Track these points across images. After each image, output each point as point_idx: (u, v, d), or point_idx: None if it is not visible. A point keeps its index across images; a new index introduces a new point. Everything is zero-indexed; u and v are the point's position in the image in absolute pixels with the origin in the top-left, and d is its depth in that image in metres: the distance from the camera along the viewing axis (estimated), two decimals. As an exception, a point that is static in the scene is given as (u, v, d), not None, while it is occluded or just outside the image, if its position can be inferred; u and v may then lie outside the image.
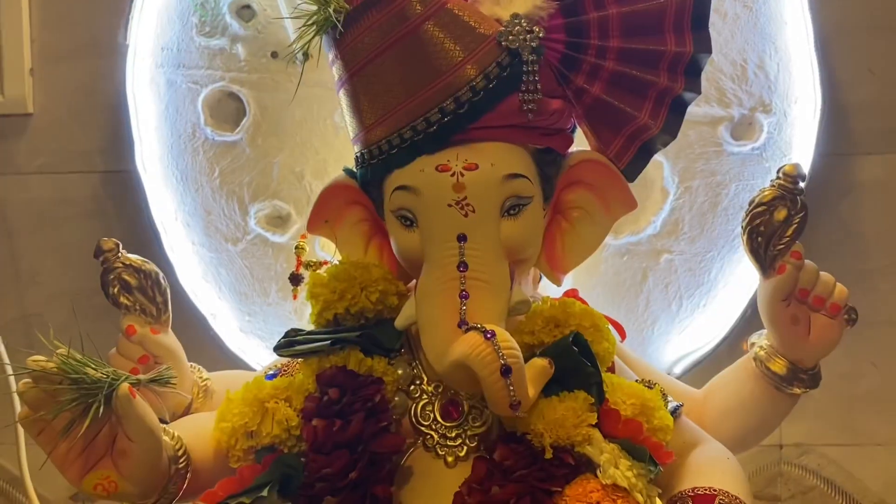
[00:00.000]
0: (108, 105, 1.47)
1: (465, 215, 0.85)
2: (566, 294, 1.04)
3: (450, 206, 0.85)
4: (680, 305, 1.37)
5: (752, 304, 1.25)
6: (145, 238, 1.39)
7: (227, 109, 1.44)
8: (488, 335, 0.80)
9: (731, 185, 1.37)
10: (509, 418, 0.85)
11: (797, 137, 1.37)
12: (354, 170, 0.95)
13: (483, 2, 0.88)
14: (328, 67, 0.96)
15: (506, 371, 0.78)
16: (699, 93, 0.94)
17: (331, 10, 0.84)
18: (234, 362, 1.38)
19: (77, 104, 1.51)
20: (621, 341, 1.10)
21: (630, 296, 1.37)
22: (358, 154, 0.92)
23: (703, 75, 1.31)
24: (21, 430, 1.41)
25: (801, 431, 1.43)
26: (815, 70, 1.35)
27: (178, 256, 1.41)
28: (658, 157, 1.34)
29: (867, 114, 1.41)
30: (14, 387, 1.38)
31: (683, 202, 1.37)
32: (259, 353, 1.38)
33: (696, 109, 1.35)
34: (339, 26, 0.85)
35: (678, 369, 1.36)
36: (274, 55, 1.41)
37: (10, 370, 1.38)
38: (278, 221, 1.43)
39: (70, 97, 1.51)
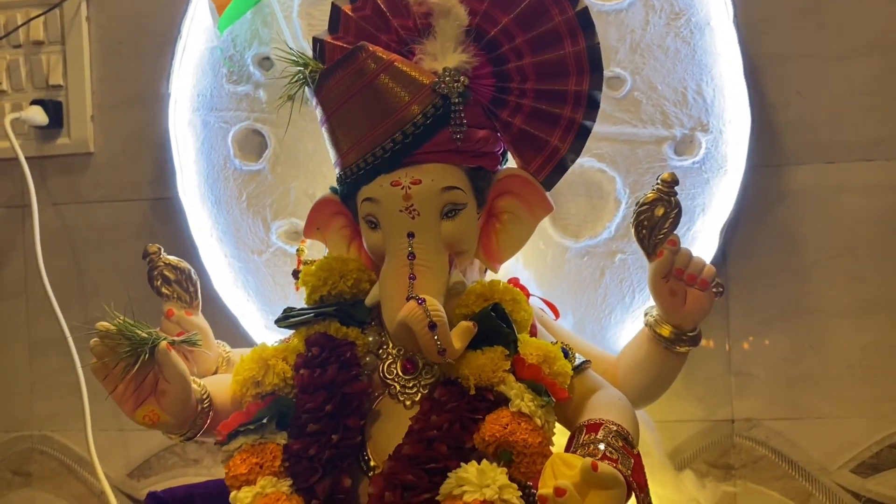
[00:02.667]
0: (155, 143, 1.79)
1: (413, 218, 1.14)
2: (509, 281, 1.37)
3: (401, 211, 1.13)
4: (633, 298, 1.63)
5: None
6: (186, 252, 1.67)
7: (253, 144, 1.74)
8: (420, 301, 1.12)
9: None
10: (447, 367, 1.18)
11: (732, 152, 1.63)
12: (337, 188, 1.27)
13: (424, 59, 1.19)
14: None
15: (432, 326, 1.10)
16: (594, 121, 1.24)
17: (307, 73, 1.20)
18: (259, 355, 1.68)
19: (130, 143, 1.83)
20: (555, 319, 1.42)
21: (590, 290, 1.64)
22: (337, 175, 1.23)
23: (649, 101, 1.64)
24: (89, 419, 1.75)
25: (750, 407, 1.68)
26: (746, 94, 1.62)
27: (213, 267, 1.72)
28: (611, 173, 1.65)
29: (796, 129, 1.67)
30: (83, 381, 1.74)
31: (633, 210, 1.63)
32: (280, 346, 1.69)
33: (643, 131, 1.64)
34: (315, 83, 1.19)
35: (632, 351, 1.63)
36: (289, 98, 1.72)
37: (79, 367, 1.74)
38: (295, 236, 1.72)
39: (124, 138, 1.84)
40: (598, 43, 1.22)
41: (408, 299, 1.15)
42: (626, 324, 1.65)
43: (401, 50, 1.23)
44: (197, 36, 1.74)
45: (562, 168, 1.26)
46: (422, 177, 1.14)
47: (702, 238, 1.64)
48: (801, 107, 1.68)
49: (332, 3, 1.28)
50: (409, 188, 1.14)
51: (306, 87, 1.23)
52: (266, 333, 1.72)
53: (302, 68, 1.20)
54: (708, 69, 1.64)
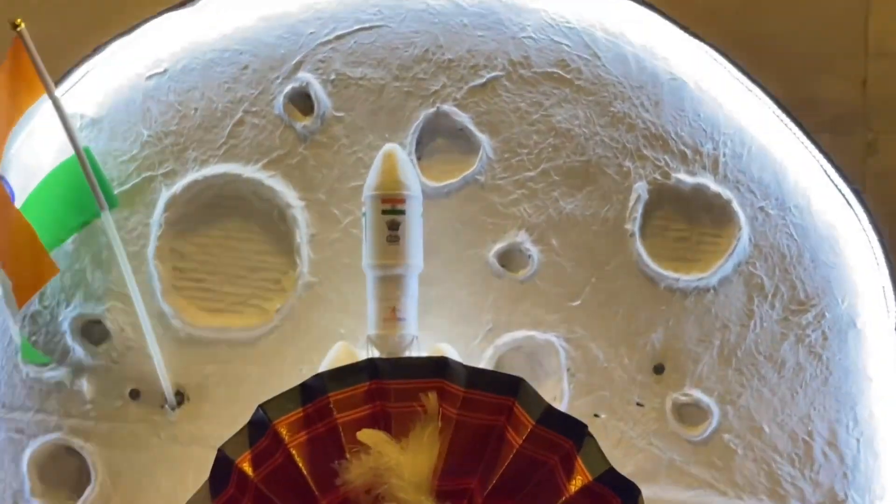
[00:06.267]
0: None
1: None
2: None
3: None
4: None
5: None
6: None
7: (65, 471, 1.49)
8: None
9: None
10: None
11: (886, 550, 1.39)
12: None
13: None
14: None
15: None
16: None
17: None
18: None
19: None
20: None
21: None
22: None
23: (749, 452, 1.42)
24: None
25: None
26: (915, 450, 1.38)
27: None
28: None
29: None
30: None
31: None
32: None
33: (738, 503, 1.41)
34: None
35: None
36: (134, 395, 1.45)
37: None
38: None
39: None
40: None
41: None
42: None
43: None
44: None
45: None
46: None
47: None
48: None
49: (219, 450, 1.10)
50: None
51: None
52: None
53: None
54: (850, 403, 1.42)
